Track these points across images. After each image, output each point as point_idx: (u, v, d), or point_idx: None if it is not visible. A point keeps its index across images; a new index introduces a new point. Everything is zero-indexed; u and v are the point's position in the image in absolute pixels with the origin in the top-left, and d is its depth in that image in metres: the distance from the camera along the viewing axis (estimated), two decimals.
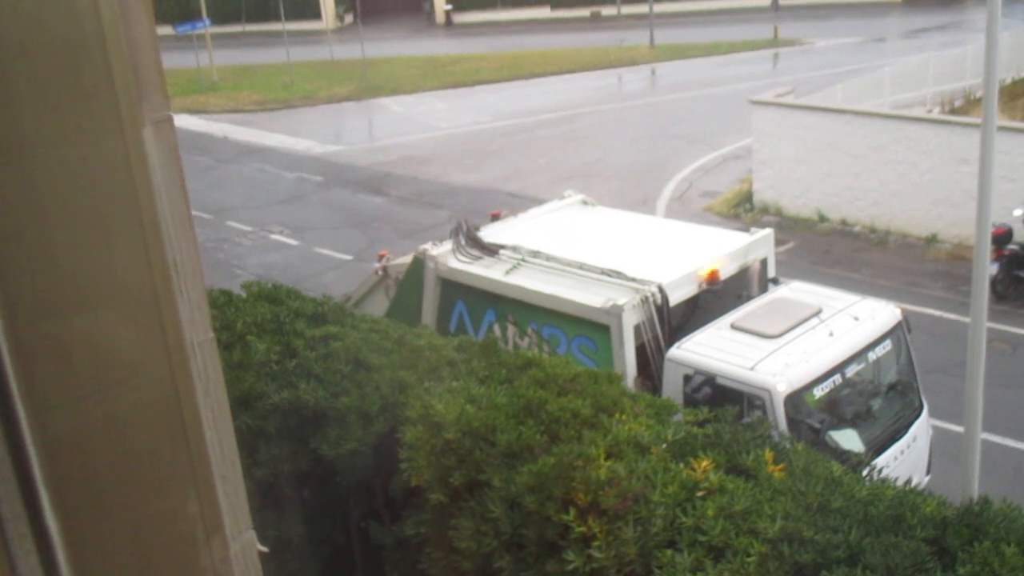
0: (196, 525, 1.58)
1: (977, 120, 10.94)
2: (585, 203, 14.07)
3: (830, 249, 21.55)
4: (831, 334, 10.36)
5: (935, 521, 4.23)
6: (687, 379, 10.04)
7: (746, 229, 13.02)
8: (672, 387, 10.20)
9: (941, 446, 12.03)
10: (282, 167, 31.39)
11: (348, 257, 22.52)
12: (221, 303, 7.36)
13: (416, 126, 36.30)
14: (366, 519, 6.16)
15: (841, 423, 10.18)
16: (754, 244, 12.02)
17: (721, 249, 11.75)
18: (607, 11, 60.67)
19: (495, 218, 13.66)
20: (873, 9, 54.49)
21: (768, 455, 4.85)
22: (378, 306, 13.00)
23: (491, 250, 12.18)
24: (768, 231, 12.33)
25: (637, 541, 4.29)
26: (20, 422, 1.33)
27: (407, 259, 12.94)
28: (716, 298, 11.35)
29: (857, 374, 10.49)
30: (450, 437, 5.04)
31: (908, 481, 5.10)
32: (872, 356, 10.62)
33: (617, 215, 13.97)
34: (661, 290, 10.73)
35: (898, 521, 4.24)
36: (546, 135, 33.33)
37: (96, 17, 1.34)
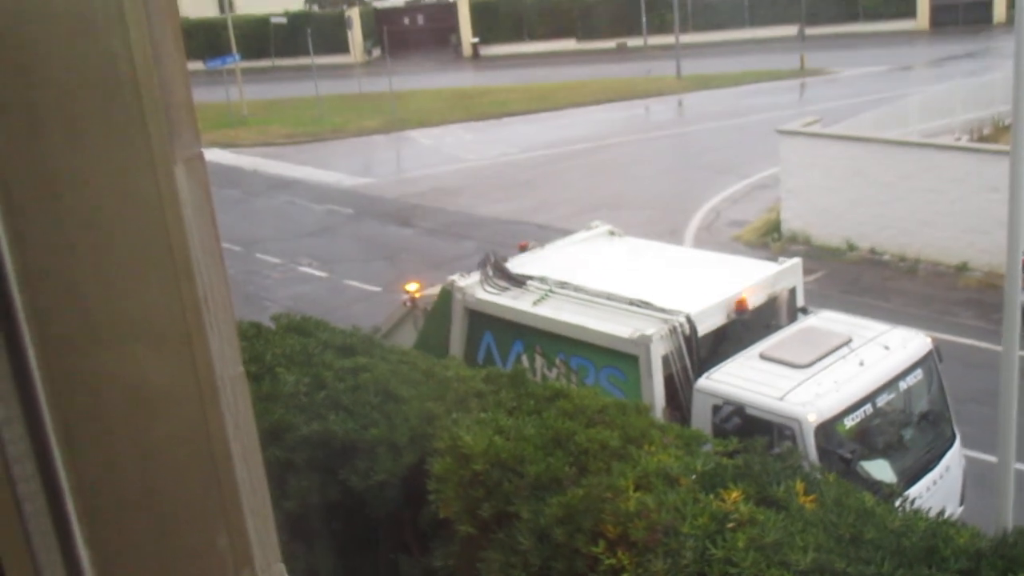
0: (226, 559, 1.59)
1: (1006, 148, 10.88)
2: (612, 233, 14.07)
3: (859, 278, 21.43)
4: (861, 363, 10.28)
5: (969, 553, 4.19)
6: (716, 409, 9.99)
7: (774, 258, 12.98)
8: (701, 418, 10.14)
9: (974, 476, 11.89)
10: (311, 200, 31.59)
11: (377, 289, 22.59)
12: (251, 335, 7.41)
13: (444, 158, 36.46)
14: (395, 551, 6.15)
15: (872, 453, 10.08)
16: (783, 273, 11.98)
17: (749, 279, 11.71)
18: (633, 42, 60.77)
19: (523, 249, 13.67)
20: (899, 38, 54.37)
21: (799, 486, 4.81)
22: (407, 337, 13.02)
23: (519, 281, 12.19)
24: (796, 260, 12.29)
25: (667, 573, 4.26)
26: (55, 458, 1.35)
27: (435, 290, 12.98)
28: (745, 328, 11.30)
29: (888, 404, 10.40)
30: (478, 469, 5.03)
31: (941, 512, 5.04)
32: (903, 385, 10.53)
33: (645, 245, 13.95)
34: (689, 320, 10.69)
35: (931, 553, 4.20)
36: (573, 166, 33.39)
37: (129, 58, 1.37)
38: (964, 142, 25.10)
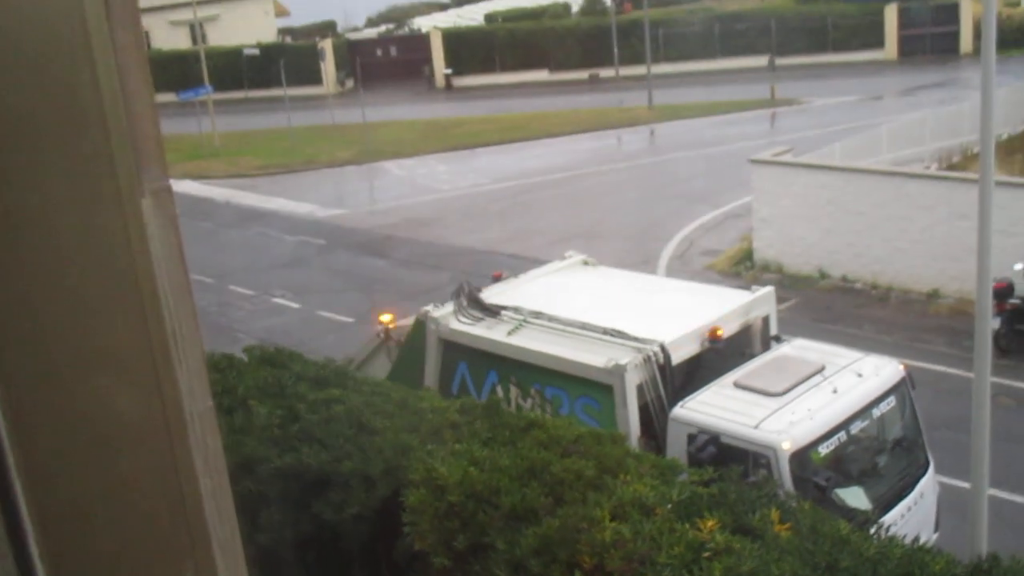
0: None
1: (975, 175, 11.01)
2: (586, 263, 14.11)
3: (832, 306, 21.55)
4: (835, 391, 10.32)
5: None
6: (691, 438, 9.99)
7: (747, 287, 13.04)
8: (676, 447, 10.14)
9: (949, 503, 11.93)
10: (284, 231, 31.53)
11: (350, 320, 22.52)
12: (223, 367, 7.36)
13: (417, 189, 36.51)
14: None
15: (847, 480, 10.11)
16: (756, 302, 12.03)
17: (723, 307, 11.76)
18: (605, 73, 61.18)
19: (496, 279, 13.67)
20: (869, 68, 54.98)
21: (774, 514, 4.81)
22: (380, 369, 12.98)
23: (493, 311, 12.19)
24: (769, 289, 12.35)
25: None
26: (16, 495, 1.33)
27: (409, 321, 12.95)
28: (719, 356, 11.33)
29: (862, 431, 10.44)
30: (453, 500, 5.01)
31: (916, 539, 5.04)
32: (877, 413, 10.58)
33: (618, 275, 14.00)
34: (664, 349, 10.72)
35: None
36: (547, 196, 33.49)
37: (96, 89, 1.35)
38: (934, 170, 25.36)
